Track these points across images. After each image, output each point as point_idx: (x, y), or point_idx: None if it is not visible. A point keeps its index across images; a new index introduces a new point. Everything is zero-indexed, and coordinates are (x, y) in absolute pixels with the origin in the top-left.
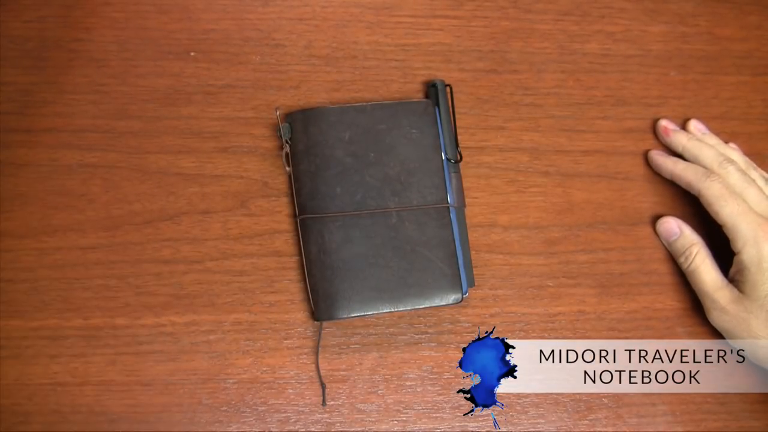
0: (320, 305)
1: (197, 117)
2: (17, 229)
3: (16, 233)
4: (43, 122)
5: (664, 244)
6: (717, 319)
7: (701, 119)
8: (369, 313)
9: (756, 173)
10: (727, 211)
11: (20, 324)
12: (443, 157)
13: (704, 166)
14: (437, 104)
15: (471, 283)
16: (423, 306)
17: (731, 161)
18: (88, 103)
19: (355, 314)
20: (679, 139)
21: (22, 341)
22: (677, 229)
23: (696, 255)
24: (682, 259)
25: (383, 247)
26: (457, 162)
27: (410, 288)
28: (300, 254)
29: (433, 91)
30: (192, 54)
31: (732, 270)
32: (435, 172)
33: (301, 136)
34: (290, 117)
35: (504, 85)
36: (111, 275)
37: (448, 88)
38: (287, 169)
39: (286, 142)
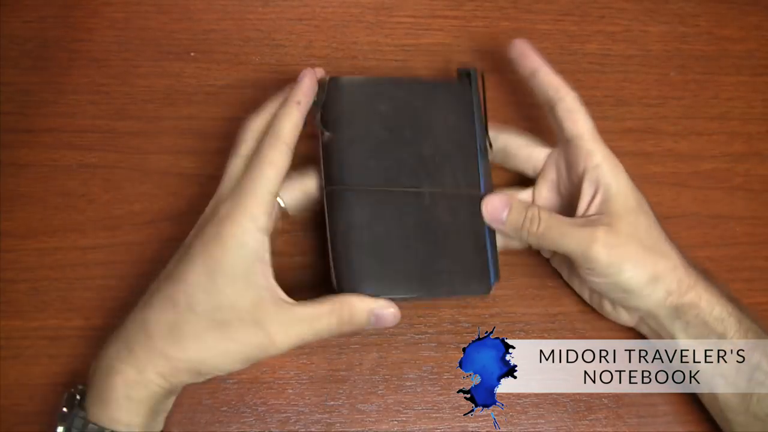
0: (343, 280)
1: (197, 117)
2: (18, 229)
3: (16, 233)
4: (43, 122)
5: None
6: (602, 254)
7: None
8: (393, 296)
9: None
10: (590, 123)
11: (20, 324)
12: (477, 145)
13: None
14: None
15: (497, 277)
16: (449, 295)
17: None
18: (89, 104)
19: (379, 294)
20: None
21: (22, 341)
22: (504, 202)
23: (540, 212)
24: (527, 225)
25: (414, 229)
26: (486, 151)
27: (438, 275)
28: (319, 230)
29: (465, 79)
30: (192, 54)
31: (584, 200)
32: (470, 158)
33: (336, 103)
34: (326, 83)
35: (504, 85)
36: (112, 275)
37: (480, 76)
38: (324, 134)
39: (320, 106)
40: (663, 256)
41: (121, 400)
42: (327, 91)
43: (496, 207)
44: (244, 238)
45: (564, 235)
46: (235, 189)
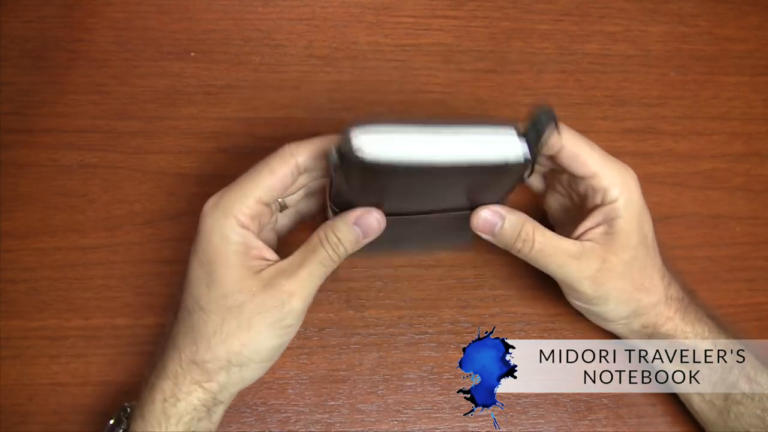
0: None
1: (197, 117)
2: (18, 229)
3: (16, 233)
4: (43, 122)
5: (493, 242)
6: (595, 291)
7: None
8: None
9: None
10: (596, 157)
11: (20, 324)
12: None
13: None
14: (536, 137)
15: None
16: (427, 247)
17: None
18: (89, 104)
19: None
20: None
21: (23, 341)
22: (497, 217)
23: (534, 233)
24: (519, 245)
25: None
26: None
27: (417, 236)
28: None
29: (534, 125)
30: (192, 54)
31: (589, 224)
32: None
33: (353, 173)
34: (343, 146)
35: (504, 85)
36: (111, 275)
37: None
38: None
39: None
40: (648, 293)
41: (158, 415)
42: (342, 155)
43: (487, 220)
44: (226, 233)
45: (555, 263)
46: (232, 184)
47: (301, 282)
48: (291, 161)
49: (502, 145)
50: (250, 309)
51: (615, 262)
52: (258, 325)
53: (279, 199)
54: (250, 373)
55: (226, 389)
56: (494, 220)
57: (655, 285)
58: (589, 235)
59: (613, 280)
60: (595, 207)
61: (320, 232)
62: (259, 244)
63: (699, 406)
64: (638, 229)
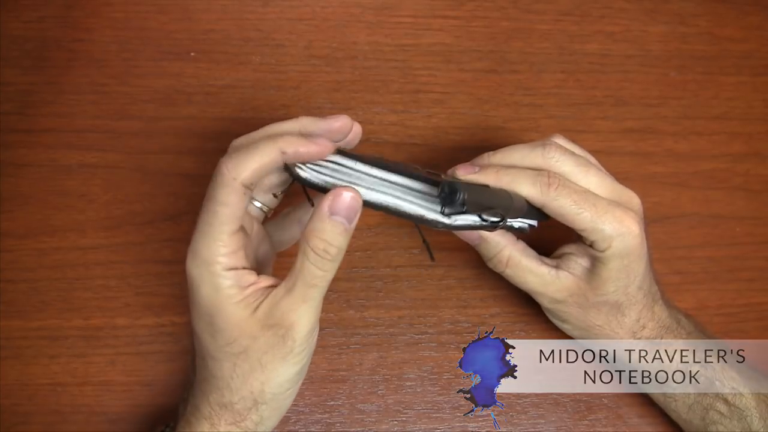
0: None
1: (197, 117)
2: (17, 229)
3: (16, 233)
4: (43, 122)
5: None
6: (555, 311)
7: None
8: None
9: (576, 146)
10: (586, 216)
11: (20, 324)
12: None
13: (527, 164)
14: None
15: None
16: None
17: (550, 143)
18: (89, 104)
19: None
20: (483, 159)
21: (22, 341)
22: (474, 236)
23: (508, 261)
24: (491, 265)
25: None
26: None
27: None
28: None
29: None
30: (192, 54)
31: (575, 251)
32: None
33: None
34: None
35: (504, 85)
36: (111, 275)
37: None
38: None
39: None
40: (612, 330)
41: None
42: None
43: (470, 236)
44: (215, 281)
45: (523, 286)
46: (196, 230)
47: (297, 312)
48: (235, 185)
49: (416, 204)
50: (255, 350)
51: (581, 299)
52: (269, 363)
53: (259, 204)
54: (280, 404)
55: (262, 424)
56: (471, 237)
57: (623, 326)
58: (570, 262)
59: (575, 310)
60: (583, 243)
61: (302, 244)
62: (252, 277)
63: (677, 422)
64: (619, 279)
